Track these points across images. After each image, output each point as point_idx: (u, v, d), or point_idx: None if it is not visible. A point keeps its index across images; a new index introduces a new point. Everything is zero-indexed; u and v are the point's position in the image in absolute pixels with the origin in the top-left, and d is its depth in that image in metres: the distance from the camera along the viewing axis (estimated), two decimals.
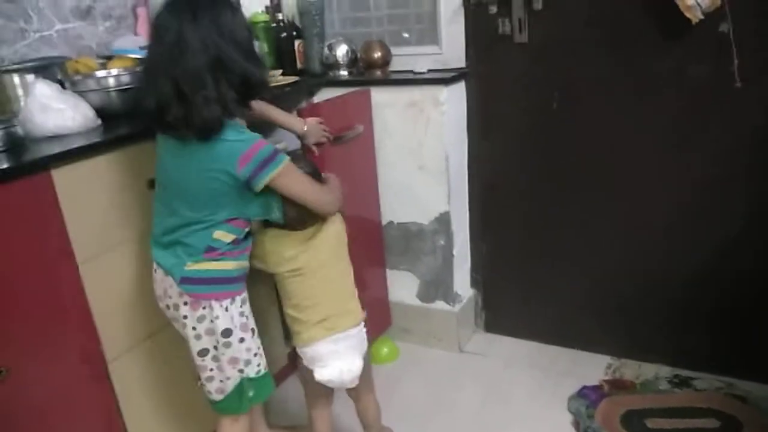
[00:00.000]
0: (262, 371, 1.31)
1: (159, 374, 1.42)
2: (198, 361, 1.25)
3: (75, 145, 1.21)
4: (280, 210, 1.26)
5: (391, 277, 2.01)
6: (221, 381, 1.26)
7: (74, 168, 1.19)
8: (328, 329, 1.35)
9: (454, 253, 1.92)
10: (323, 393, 1.44)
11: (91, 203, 1.24)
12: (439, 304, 1.98)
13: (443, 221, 1.87)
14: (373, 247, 1.95)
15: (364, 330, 1.42)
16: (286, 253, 1.34)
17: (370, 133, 1.85)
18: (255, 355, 1.29)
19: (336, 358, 1.36)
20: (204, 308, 1.21)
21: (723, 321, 1.71)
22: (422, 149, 1.82)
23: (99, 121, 1.37)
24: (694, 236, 1.68)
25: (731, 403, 1.63)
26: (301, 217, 1.31)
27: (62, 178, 1.16)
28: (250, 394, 1.29)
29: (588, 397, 1.71)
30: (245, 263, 1.28)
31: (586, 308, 1.89)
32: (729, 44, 1.45)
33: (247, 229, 1.26)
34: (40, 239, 1.15)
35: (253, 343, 1.29)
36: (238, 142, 1.13)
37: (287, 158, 1.19)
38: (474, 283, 2.05)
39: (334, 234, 1.37)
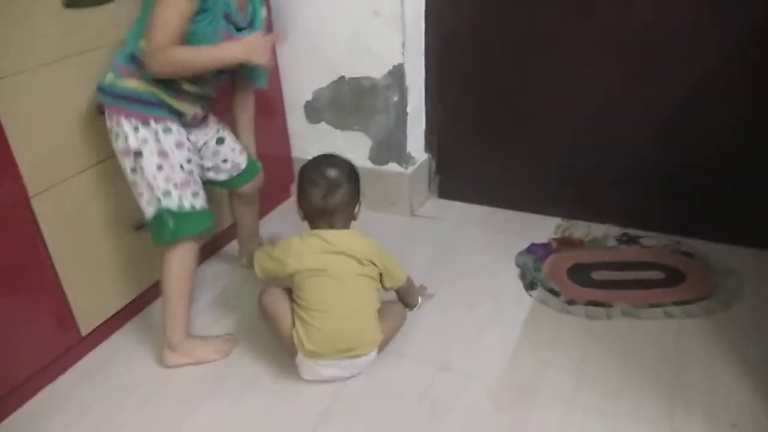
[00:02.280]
0: (186, 208, 1.25)
1: (87, 214, 1.33)
2: (129, 176, 1.26)
3: None
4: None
5: (343, 137, 1.92)
6: (147, 203, 1.25)
7: None
8: (337, 350, 1.24)
9: (408, 110, 1.83)
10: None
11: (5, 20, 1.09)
12: (392, 167, 1.91)
13: (397, 74, 1.77)
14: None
15: (375, 354, 1.31)
16: (312, 256, 1.27)
17: None
18: (175, 186, 1.23)
19: (335, 371, 1.29)
20: (115, 124, 1.22)
21: (673, 182, 1.70)
22: None
23: None
24: (644, 98, 1.63)
25: (677, 257, 1.65)
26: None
27: None
28: (171, 225, 1.24)
29: (536, 252, 1.71)
30: (161, 94, 1.23)
31: (538, 172, 1.86)
32: None
33: None
34: None
35: (176, 175, 1.23)
36: None
37: None
38: (428, 146, 1.99)
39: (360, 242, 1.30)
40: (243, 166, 1.49)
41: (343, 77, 1.84)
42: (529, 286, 1.58)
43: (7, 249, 1.17)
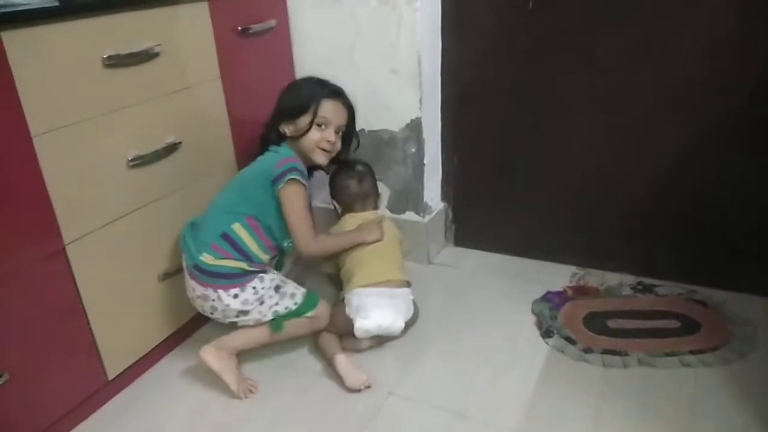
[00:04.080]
0: (292, 307, 1.47)
1: (121, 262, 1.39)
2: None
3: (26, 8, 1.14)
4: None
5: None
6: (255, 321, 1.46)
7: (26, 33, 1.12)
8: (378, 280, 1.54)
9: (425, 161, 1.89)
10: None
11: (47, 75, 1.17)
12: (409, 215, 1.97)
13: (414, 128, 1.84)
14: None
15: (411, 297, 1.58)
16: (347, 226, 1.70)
17: (286, 37, 1.85)
18: (277, 306, 1.45)
19: (379, 311, 1.48)
20: (213, 300, 1.41)
21: (687, 231, 1.73)
22: (395, 51, 1.77)
23: None
24: (658, 148, 1.68)
25: (691, 306, 1.67)
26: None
27: (14, 43, 1.09)
28: (284, 316, 1.46)
29: (552, 300, 1.73)
30: (246, 266, 1.44)
31: (553, 220, 1.90)
32: None
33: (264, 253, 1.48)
34: None
35: (278, 298, 1.46)
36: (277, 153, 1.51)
37: (303, 185, 1.47)
38: (444, 196, 2.04)
39: (391, 228, 1.71)
40: None
41: (363, 130, 1.92)
42: (546, 334, 1.60)
43: (42, 295, 1.23)
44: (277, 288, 1.45)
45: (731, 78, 1.54)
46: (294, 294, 1.47)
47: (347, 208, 1.75)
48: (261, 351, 1.56)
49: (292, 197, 1.45)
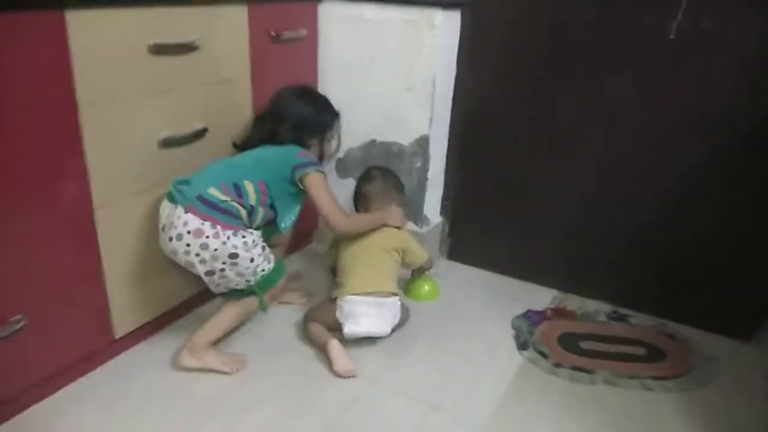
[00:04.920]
0: (267, 270, 1.51)
1: (142, 232, 1.51)
2: (204, 278, 1.49)
3: None
4: (290, 223, 1.62)
5: None
6: (226, 288, 1.51)
7: (87, 14, 1.25)
8: (367, 290, 1.63)
9: (429, 176, 2.03)
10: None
11: (100, 54, 1.30)
12: (409, 225, 2.09)
13: (422, 144, 1.98)
14: None
15: (398, 305, 1.68)
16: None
17: (314, 46, 2.00)
18: (259, 267, 1.51)
19: (368, 319, 1.60)
20: (207, 237, 1.42)
21: (665, 269, 1.86)
22: (412, 71, 1.91)
23: None
24: (648, 189, 1.81)
25: (660, 338, 1.78)
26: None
27: (75, 19, 1.23)
28: (257, 289, 1.53)
29: (531, 318, 1.85)
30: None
31: (542, 245, 2.03)
32: None
33: (257, 214, 1.53)
34: (46, 86, 1.22)
35: (262, 259, 1.50)
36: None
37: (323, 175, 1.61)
38: (443, 210, 2.17)
39: (395, 239, 1.78)
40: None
41: (374, 140, 2.06)
42: (522, 346, 1.72)
43: (65, 249, 1.35)
44: (263, 247, 1.53)
45: (720, 123, 1.67)
46: (269, 258, 1.55)
47: (365, 210, 1.86)
48: (257, 332, 1.68)
49: (320, 183, 1.59)
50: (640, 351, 1.72)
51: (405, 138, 2.00)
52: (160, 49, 1.42)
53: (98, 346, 1.50)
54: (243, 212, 1.48)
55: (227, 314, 1.55)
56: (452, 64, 1.97)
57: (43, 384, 1.40)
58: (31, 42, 1.17)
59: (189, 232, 1.41)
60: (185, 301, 1.71)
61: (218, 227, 1.42)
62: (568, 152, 1.90)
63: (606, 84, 1.78)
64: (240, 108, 1.72)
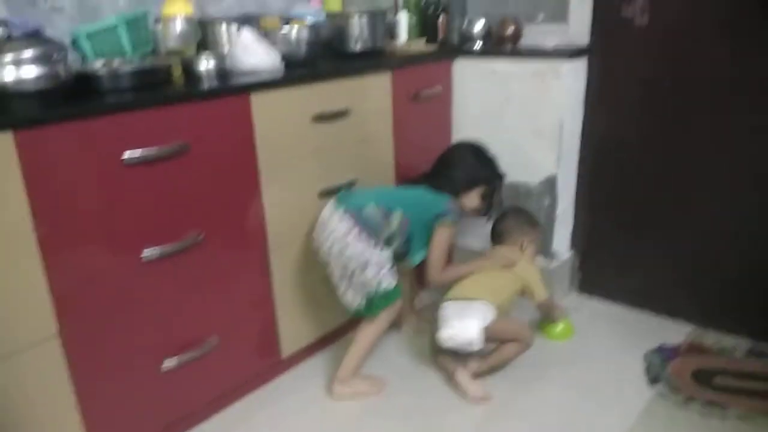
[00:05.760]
0: (389, 287, 1.69)
1: (308, 264, 1.79)
2: (336, 281, 1.72)
3: (268, 79, 1.61)
4: (420, 258, 1.83)
5: None
6: (352, 297, 1.72)
7: (266, 95, 1.57)
8: (458, 296, 1.80)
9: (557, 213, 2.14)
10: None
11: (275, 127, 1.61)
12: (538, 260, 2.21)
13: (550, 183, 2.10)
14: None
15: (492, 313, 1.75)
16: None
17: (448, 100, 2.20)
18: (384, 280, 1.68)
19: (456, 319, 1.73)
20: (350, 239, 1.65)
21: None
22: (539, 115, 2.05)
23: (282, 65, 1.76)
24: None
25: None
26: None
27: (257, 101, 1.55)
28: (377, 302, 1.70)
29: (664, 353, 1.88)
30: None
31: (676, 279, 2.05)
32: None
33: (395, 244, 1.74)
34: (236, 151, 1.55)
35: (387, 274, 1.69)
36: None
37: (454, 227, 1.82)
38: (573, 245, 2.26)
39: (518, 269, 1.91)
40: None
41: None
42: (653, 380, 1.76)
43: (247, 280, 1.66)
44: (391, 266, 1.71)
45: None
46: (393, 276, 1.71)
47: (497, 243, 2.02)
48: (395, 359, 1.90)
49: (444, 236, 1.80)
50: None
51: (533, 178, 2.14)
52: (320, 118, 1.72)
53: (268, 364, 1.80)
54: (384, 234, 1.71)
55: (360, 342, 1.75)
56: (579, 108, 2.08)
57: (220, 399, 1.71)
58: (227, 119, 1.51)
59: (338, 231, 1.67)
60: (341, 325, 1.97)
61: (363, 235, 1.66)
62: (699, 189, 1.92)
63: (734, 122, 1.80)
64: (383, 160, 1.98)
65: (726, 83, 1.79)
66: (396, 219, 1.73)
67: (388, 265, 1.70)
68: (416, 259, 1.84)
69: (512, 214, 2.04)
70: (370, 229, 1.68)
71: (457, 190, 1.88)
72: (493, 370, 1.80)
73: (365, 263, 1.66)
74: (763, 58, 1.71)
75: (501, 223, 2.03)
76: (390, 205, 1.74)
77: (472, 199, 1.91)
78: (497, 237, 2.03)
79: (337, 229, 1.68)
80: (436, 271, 1.82)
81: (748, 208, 1.85)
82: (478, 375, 1.77)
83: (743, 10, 1.72)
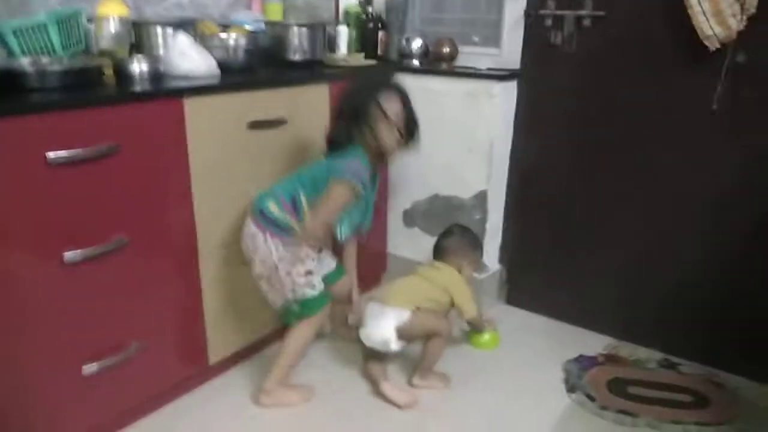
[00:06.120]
0: (308, 296, 1.68)
1: (239, 273, 1.77)
2: (257, 282, 1.70)
3: (203, 84, 1.61)
4: (347, 231, 1.75)
5: (431, 241, 2.31)
6: (273, 300, 1.72)
7: (200, 100, 1.57)
8: (378, 299, 1.86)
9: (487, 227, 2.22)
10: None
11: (209, 133, 1.61)
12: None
13: (481, 198, 2.18)
14: None
15: (405, 316, 1.78)
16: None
17: None
18: (298, 286, 1.66)
19: (372, 318, 1.80)
20: (259, 243, 1.63)
21: (716, 320, 1.94)
22: (472, 134, 2.13)
23: (218, 71, 1.76)
24: (697, 240, 1.92)
25: (708, 386, 1.86)
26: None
27: (191, 106, 1.54)
28: (295, 308, 1.68)
29: (582, 363, 1.98)
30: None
31: (597, 294, 2.15)
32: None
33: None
34: (167, 155, 1.53)
35: (302, 280, 1.66)
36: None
37: (356, 185, 1.63)
38: (501, 259, 2.34)
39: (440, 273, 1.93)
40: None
41: (437, 194, 2.28)
42: (571, 389, 1.85)
43: (175, 287, 1.64)
44: (309, 272, 1.67)
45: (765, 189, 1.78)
46: (313, 285, 1.68)
47: (437, 258, 2.01)
48: (324, 365, 1.91)
49: (338, 193, 1.62)
50: (686, 398, 1.80)
51: (465, 192, 2.21)
52: (256, 125, 1.72)
53: (194, 371, 1.77)
54: (297, 226, 1.64)
55: (286, 352, 1.74)
56: (509, 128, 2.17)
57: (145, 404, 1.68)
58: (159, 122, 1.50)
59: (253, 239, 1.65)
60: (270, 333, 1.96)
61: (274, 239, 1.62)
62: (620, 209, 2.04)
63: (654, 150, 1.93)
64: None
65: (646, 109, 1.91)
66: (303, 203, 1.65)
67: (306, 269, 1.66)
68: (342, 233, 1.74)
69: (457, 233, 2.04)
70: (276, 227, 1.63)
71: (351, 133, 1.67)
72: (430, 370, 1.85)
73: (274, 267, 1.64)
74: (677, 88, 1.84)
75: (445, 240, 2.03)
76: (292, 191, 1.66)
77: (381, 130, 1.67)
78: (438, 253, 2.02)
79: (251, 236, 1.65)
80: (311, 220, 1.64)
81: (664, 228, 1.97)
82: (423, 382, 1.84)
83: (662, 46, 1.85)
